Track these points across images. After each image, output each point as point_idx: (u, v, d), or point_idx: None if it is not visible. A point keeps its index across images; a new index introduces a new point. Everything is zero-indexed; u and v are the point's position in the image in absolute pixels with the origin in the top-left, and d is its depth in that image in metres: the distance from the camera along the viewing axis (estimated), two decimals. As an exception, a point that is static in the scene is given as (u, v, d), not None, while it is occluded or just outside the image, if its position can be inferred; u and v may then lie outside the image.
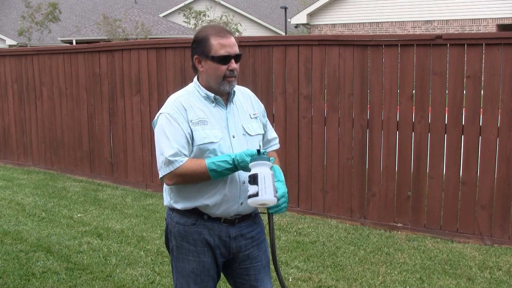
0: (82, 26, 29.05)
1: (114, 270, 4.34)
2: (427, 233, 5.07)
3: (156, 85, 6.69)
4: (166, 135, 2.37)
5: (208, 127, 2.40)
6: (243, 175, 2.44)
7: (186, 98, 2.45)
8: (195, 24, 28.30)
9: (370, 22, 19.55)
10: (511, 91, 4.65)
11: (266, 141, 2.70)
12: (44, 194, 6.73)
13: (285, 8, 28.51)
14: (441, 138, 4.97)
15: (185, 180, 2.37)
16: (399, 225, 5.22)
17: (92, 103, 7.37)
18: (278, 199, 2.33)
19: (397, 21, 19.17)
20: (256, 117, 2.59)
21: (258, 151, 2.29)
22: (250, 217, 2.56)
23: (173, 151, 2.34)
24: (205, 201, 2.42)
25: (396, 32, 18.98)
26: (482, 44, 4.75)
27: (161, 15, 30.97)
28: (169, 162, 2.34)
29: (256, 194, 2.24)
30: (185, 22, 28.81)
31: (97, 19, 27.45)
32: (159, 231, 5.24)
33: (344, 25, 20.02)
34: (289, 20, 24.33)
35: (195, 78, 2.53)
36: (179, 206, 2.47)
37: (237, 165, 2.32)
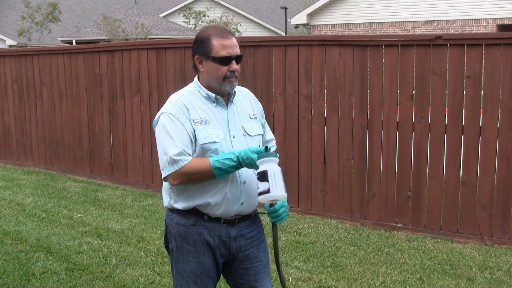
0: (82, 26, 29.05)
1: (114, 270, 4.34)
2: (427, 233, 5.07)
3: (156, 85, 6.69)
4: (170, 135, 2.36)
5: (210, 126, 2.40)
6: (243, 176, 2.44)
7: (187, 97, 2.44)
8: (195, 24, 28.30)
9: (370, 23, 19.55)
10: (511, 91, 4.65)
11: (264, 142, 2.71)
12: (44, 195, 6.73)
13: (285, 9, 28.51)
14: (441, 138, 4.97)
15: (190, 179, 2.36)
16: (399, 225, 5.22)
17: (92, 103, 7.37)
18: (278, 210, 2.38)
19: (397, 21, 19.17)
20: (255, 118, 2.60)
21: (266, 147, 2.30)
22: (250, 217, 2.56)
23: (178, 150, 2.33)
24: (207, 200, 2.41)
25: (396, 32, 18.97)
26: (482, 44, 4.75)
27: (161, 15, 30.97)
28: (173, 162, 2.33)
29: (268, 191, 2.25)
30: (185, 22, 28.81)
31: (97, 19, 27.44)
32: (159, 232, 5.24)
33: (344, 25, 20.02)
34: (289, 20, 24.34)
35: (196, 78, 2.53)
36: (179, 205, 2.46)
37: (242, 162, 2.32)
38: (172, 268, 2.57)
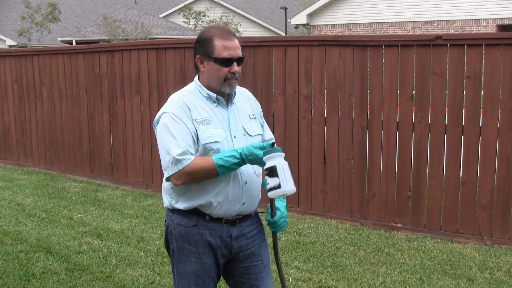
0: (82, 27, 29.05)
1: (114, 271, 4.34)
2: (427, 233, 5.07)
3: (156, 86, 6.69)
4: (172, 135, 2.35)
5: (212, 126, 2.40)
6: (245, 176, 2.45)
7: (188, 97, 2.44)
8: (195, 24, 28.30)
9: (370, 23, 19.55)
10: (511, 91, 4.65)
11: (263, 142, 2.70)
12: (44, 195, 6.73)
13: (285, 9, 28.51)
14: (441, 139, 4.97)
15: (193, 178, 2.35)
16: (399, 225, 5.22)
17: (92, 103, 7.37)
18: (277, 221, 2.47)
19: (397, 22, 19.17)
20: (255, 118, 2.60)
21: (273, 143, 2.31)
22: (251, 217, 2.57)
23: (181, 150, 2.32)
24: (209, 200, 2.41)
25: (396, 32, 18.97)
26: (482, 44, 4.75)
27: (161, 16, 30.98)
28: (177, 161, 2.32)
29: (278, 186, 2.26)
30: (185, 22, 28.81)
31: (97, 20, 27.44)
32: (159, 232, 5.24)
33: (344, 25, 20.03)
34: (289, 20, 24.34)
35: (196, 78, 2.52)
36: (180, 206, 2.45)
37: (245, 159, 2.32)
38: (173, 269, 2.56)
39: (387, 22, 19.26)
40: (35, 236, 5.16)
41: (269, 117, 5.78)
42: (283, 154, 2.30)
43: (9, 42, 28.47)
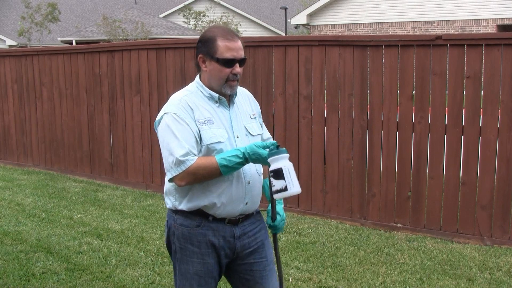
0: (82, 27, 29.06)
1: (114, 271, 4.34)
2: (427, 233, 5.07)
3: (156, 86, 6.69)
4: (175, 135, 2.34)
5: (214, 126, 2.40)
6: (248, 176, 2.45)
7: (190, 97, 2.43)
8: (195, 24, 28.31)
9: (370, 23, 19.55)
10: (511, 91, 4.66)
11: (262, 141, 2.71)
12: (44, 195, 6.73)
13: (285, 9, 28.51)
14: (441, 139, 4.97)
15: (196, 178, 2.34)
16: (399, 225, 5.22)
17: (92, 103, 7.37)
18: (277, 225, 2.56)
19: (397, 22, 19.17)
20: (255, 118, 2.61)
21: (278, 146, 2.31)
22: (252, 215, 2.57)
23: (184, 150, 2.31)
24: (212, 200, 2.41)
25: (396, 32, 18.97)
26: (482, 44, 4.75)
27: (161, 16, 30.98)
28: (180, 162, 2.31)
29: (285, 189, 2.27)
30: (185, 22, 28.81)
31: (97, 20, 27.45)
32: (159, 232, 5.24)
33: (344, 25, 20.03)
34: (289, 20, 24.34)
35: (197, 78, 2.52)
36: (184, 207, 2.45)
37: (248, 158, 2.32)
38: (175, 270, 2.56)
39: (387, 22, 19.26)
40: (35, 236, 5.16)
41: (269, 117, 5.78)
42: (288, 155, 2.31)
43: (9, 42, 28.47)
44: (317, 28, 20.66)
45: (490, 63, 4.71)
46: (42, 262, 4.52)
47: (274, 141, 2.35)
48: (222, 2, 32.33)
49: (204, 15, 28.13)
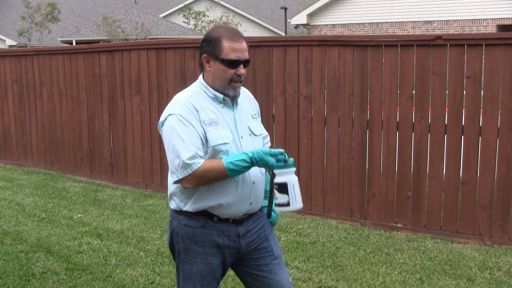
0: (82, 27, 29.06)
1: (114, 271, 4.34)
2: (427, 233, 5.07)
3: (156, 86, 6.69)
4: (181, 137, 2.33)
5: (220, 127, 2.40)
6: (253, 176, 2.46)
7: (195, 98, 2.42)
8: (195, 24, 28.32)
9: (370, 23, 19.55)
10: (511, 91, 4.66)
11: None
12: (44, 195, 6.73)
13: (285, 9, 28.52)
14: (441, 139, 4.97)
15: (203, 181, 2.35)
16: (399, 225, 5.22)
17: (92, 103, 7.37)
18: (272, 221, 2.63)
19: (397, 22, 19.17)
20: (256, 117, 2.62)
21: (285, 160, 2.32)
22: (255, 214, 2.58)
23: (190, 153, 2.31)
24: (218, 201, 2.41)
25: (396, 32, 18.97)
26: (482, 44, 4.75)
27: (161, 16, 30.99)
28: (186, 165, 2.31)
29: (287, 204, 2.32)
30: (185, 22, 28.82)
31: (97, 20, 27.46)
32: (159, 232, 5.24)
33: (344, 25, 20.03)
34: (289, 20, 24.34)
35: (201, 78, 2.51)
36: (189, 208, 2.44)
37: (255, 163, 2.33)
38: (178, 270, 2.55)
39: (387, 22, 19.26)
40: (35, 236, 5.16)
41: (269, 117, 5.78)
42: (294, 169, 2.34)
43: (9, 42, 28.48)
44: (317, 28, 20.66)
45: (490, 63, 4.71)
46: (42, 262, 4.52)
47: (282, 150, 2.35)
48: (222, 2, 32.33)
49: (204, 15, 28.14)
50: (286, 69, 5.70)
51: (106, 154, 7.33)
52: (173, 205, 2.52)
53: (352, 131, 5.38)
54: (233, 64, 2.38)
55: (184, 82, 6.34)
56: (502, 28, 17.93)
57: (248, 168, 2.34)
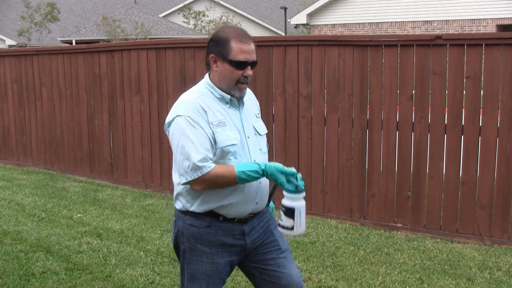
0: (82, 26, 29.06)
1: (114, 270, 4.34)
2: (427, 233, 5.07)
3: (156, 86, 6.69)
4: (191, 139, 2.32)
5: (227, 128, 2.40)
6: None
7: (202, 99, 2.41)
8: (194, 24, 28.32)
9: (370, 23, 19.55)
10: (511, 91, 4.66)
11: None
12: (44, 194, 6.73)
13: (285, 9, 28.52)
14: (441, 138, 4.97)
15: (214, 185, 2.35)
16: (398, 225, 5.22)
17: (92, 103, 7.37)
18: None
19: (397, 22, 19.17)
20: (259, 117, 2.63)
21: (297, 186, 2.33)
22: (259, 212, 2.58)
23: (201, 156, 2.30)
24: (224, 202, 2.41)
25: (395, 32, 18.97)
26: (482, 44, 4.75)
27: (160, 16, 30.99)
28: (196, 168, 2.30)
29: (291, 228, 2.35)
30: (185, 22, 28.82)
31: (97, 20, 27.46)
32: (159, 232, 5.24)
33: (344, 25, 20.03)
34: (288, 20, 24.34)
35: (207, 77, 2.50)
36: (196, 208, 2.44)
37: (266, 176, 2.35)
38: (183, 270, 2.55)
39: (387, 22, 19.26)
40: (35, 236, 5.16)
41: (269, 117, 5.78)
42: (304, 194, 2.36)
43: (9, 42, 28.48)
44: (316, 28, 20.66)
45: (490, 63, 4.71)
46: (41, 262, 4.52)
47: (294, 171, 2.35)
48: (222, 2, 32.33)
49: (204, 15, 28.13)
50: (286, 69, 5.70)
51: (106, 154, 7.33)
52: (178, 205, 2.52)
53: (352, 131, 5.39)
54: (241, 65, 2.38)
55: (184, 82, 6.35)
56: (502, 28, 17.94)
57: (258, 179, 2.36)
